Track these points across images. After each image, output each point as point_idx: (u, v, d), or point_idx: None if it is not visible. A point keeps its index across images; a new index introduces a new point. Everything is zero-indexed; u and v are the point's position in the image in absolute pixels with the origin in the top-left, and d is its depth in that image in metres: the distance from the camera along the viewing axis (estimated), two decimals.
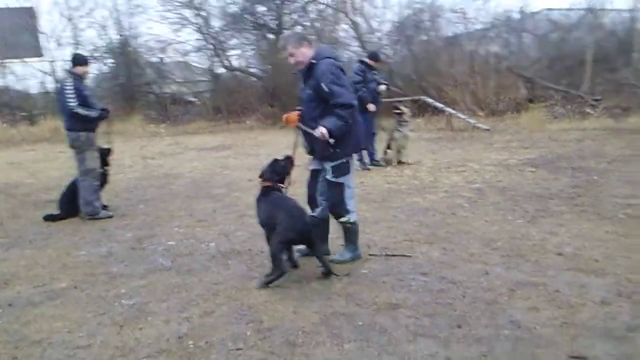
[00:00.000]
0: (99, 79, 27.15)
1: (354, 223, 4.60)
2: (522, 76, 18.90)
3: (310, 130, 4.41)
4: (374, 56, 9.49)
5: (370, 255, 4.76)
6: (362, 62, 9.35)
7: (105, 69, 26.66)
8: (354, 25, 23.59)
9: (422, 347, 3.10)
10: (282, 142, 14.77)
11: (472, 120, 15.66)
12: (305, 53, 4.42)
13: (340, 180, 4.48)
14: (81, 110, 6.53)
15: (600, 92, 17.38)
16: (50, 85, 22.96)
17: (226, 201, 7.42)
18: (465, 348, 3.07)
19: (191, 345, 3.24)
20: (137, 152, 13.82)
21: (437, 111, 17.18)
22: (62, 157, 12.25)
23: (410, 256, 4.70)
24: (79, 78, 6.70)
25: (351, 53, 25.69)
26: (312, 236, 4.26)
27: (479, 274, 4.19)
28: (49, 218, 6.80)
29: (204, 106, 26.87)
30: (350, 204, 4.55)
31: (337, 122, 4.26)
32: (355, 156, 4.69)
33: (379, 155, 9.62)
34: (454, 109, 16.79)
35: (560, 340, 3.10)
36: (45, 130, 19.06)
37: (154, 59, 26.82)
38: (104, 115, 6.83)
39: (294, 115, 4.64)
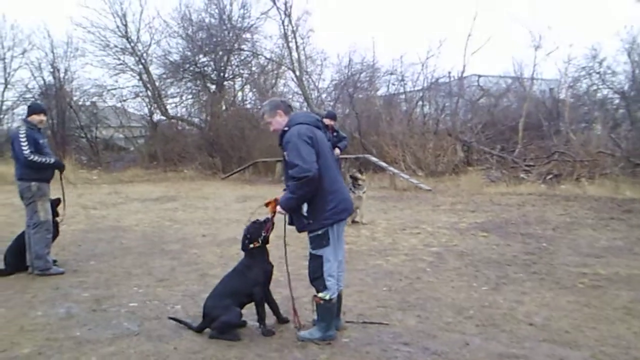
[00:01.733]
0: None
1: (329, 301, 4.29)
2: (460, 139, 19.70)
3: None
4: (330, 115, 9.59)
5: (347, 322, 4.70)
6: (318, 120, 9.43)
7: None
8: (299, 81, 23.97)
9: None
10: (229, 195, 14.67)
11: (414, 181, 16.08)
12: (279, 121, 4.43)
13: (318, 252, 4.29)
14: (36, 158, 6.26)
15: (531, 159, 18.34)
16: None
17: (184, 259, 7.20)
18: None
19: None
20: (76, 201, 13.21)
21: (379, 169, 17.56)
22: None
23: (387, 324, 4.69)
24: (34, 127, 6.46)
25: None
26: None
27: (460, 345, 4.22)
28: None
29: (139, 153, 26.39)
30: (331, 280, 4.30)
31: (286, 195, 4.23)
32: (337, 227, 4.39)
33: None
34: (395, 168, 17.25)
35: None
36: None
37: (88, 103, 26.27)
38: (59, 163, 6.61)
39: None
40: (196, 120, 27.04)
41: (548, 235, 8.49)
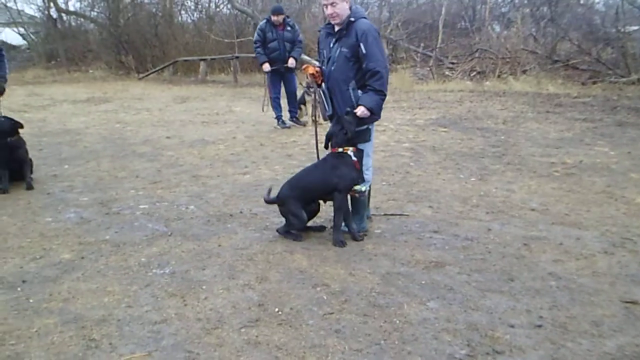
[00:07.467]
0: None
1: (363, 193, 4.44)
2: (386, 37, 19.75)
3: (325, 105, 4.35)
4: (277, 10, 8.81)
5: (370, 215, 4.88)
6: (267, 20, 8.91)
7: None
8: None
9: (497, 301, 3.35)
10: (162, 95, 14.07)
11: None
12: (345, 8, 4.19)
13: (360, 147, 4.38)
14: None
15: (454, 56, 18.85)
16: None
17: (163, 161, 7.00)
18: (533, 300, 3.37)
19: (279, 313, 3.17)
20: None
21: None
22: None
23: (408, 215, 4.94)
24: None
25: None
26: None
27: (484, 231, 4.55)
28: None
29: (35, 52, 24.45)
30: (368, 174, 4.47)
31: (374, 97, 4.14)
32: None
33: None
34: None
35: (604, 287, 3.54)
36: None
37: None
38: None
39: (312, 68, 4.44)
40: (97, 15, 24.97)
41: (502, 129, 9.02)
